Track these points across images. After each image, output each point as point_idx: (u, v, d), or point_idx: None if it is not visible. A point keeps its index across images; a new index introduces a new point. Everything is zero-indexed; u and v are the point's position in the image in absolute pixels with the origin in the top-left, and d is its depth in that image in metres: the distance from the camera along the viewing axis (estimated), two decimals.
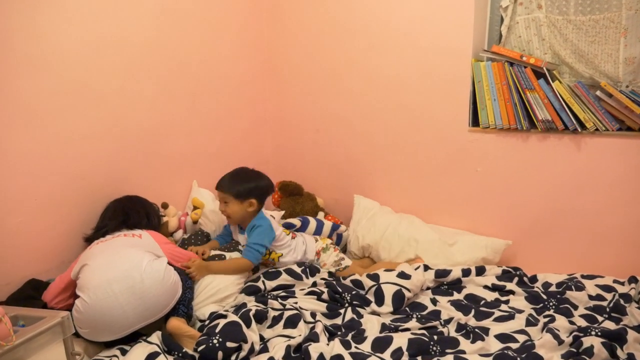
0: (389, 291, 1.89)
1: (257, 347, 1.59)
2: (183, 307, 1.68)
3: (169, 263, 1.70)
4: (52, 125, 1.78)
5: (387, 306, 1.87)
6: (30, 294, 1.65)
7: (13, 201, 1.68)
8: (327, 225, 2.41)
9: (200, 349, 1.50)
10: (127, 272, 1.56)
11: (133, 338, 1.59)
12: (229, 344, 1.51)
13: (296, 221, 2.36)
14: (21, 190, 1.70)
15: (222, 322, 1.60)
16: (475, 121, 2.32)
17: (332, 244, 2.28)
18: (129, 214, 1.88)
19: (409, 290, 1.91)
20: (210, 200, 2.33)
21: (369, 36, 2.47)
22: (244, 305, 1.76)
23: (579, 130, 2.09)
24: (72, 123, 1.84)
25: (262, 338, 1.66)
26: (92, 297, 1.52)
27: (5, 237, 1.66)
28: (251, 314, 1.67)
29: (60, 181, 1.82)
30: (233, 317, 1.63)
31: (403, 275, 1.96)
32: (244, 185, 2.06)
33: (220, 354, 1.49)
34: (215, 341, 1.51)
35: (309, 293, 1.92)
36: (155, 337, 1.56)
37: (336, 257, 2.22)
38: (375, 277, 1.96)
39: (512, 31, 2.31)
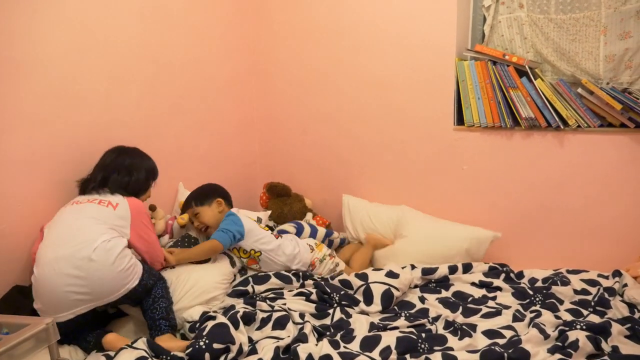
0: (377, 290, 1.90)
1: (245, 349, 1.58)
2: (164, 321, 1.66)
3: (129, 247, 1.67)
4: (36, 130, 1.75)
5: (376, 305, 1.87)
6: (17, 298, 1.63)
7: None
8: (321, 232, 2.40)
9: (187, 351, 1.50)
10: (77, 250, 1.55)
11: (99, 323, 1.63)
12: (216, 346, 1.51)
13: (290, 228, 2.36)
14: (3, 197, 1.68)
15: (210, 324, 1.59)
16: (460, 120, 2.35)
17: (329, 254, 2.23)
18: (131, 170, 1.80)
19: (397, 289, 1.92)
20: None
21: (355, 36, 2.48)
22: (232, 307, 1.75)
23: (562, 127, 2.12)
24: (56, 129, 1.82)
25: (250, 340, 1.65)
26: (40, 272, 1.55)
27: None
28: (239, 315, 1.67)
29: (44, 186, 1.80)
30: (221, 319, 1.62)
31: (391, 275, 1.97)
32: (202, 192, 2.16)
33: (207, 355, 1.48)
34: (202, 343, 1.50)
35: (298, 294, 1.92)
36: (142, 342, 1.54)
37: (332, 265, 2.20)
38: (363, 277, 1.96)
39: (495, 30, 2.34)
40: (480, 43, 2.36)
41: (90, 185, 1.77)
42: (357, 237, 2.51)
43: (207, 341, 1.51)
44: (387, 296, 1.89)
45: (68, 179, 1.87)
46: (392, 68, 2.42)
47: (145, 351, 1.50)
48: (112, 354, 1.53)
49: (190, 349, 1.49)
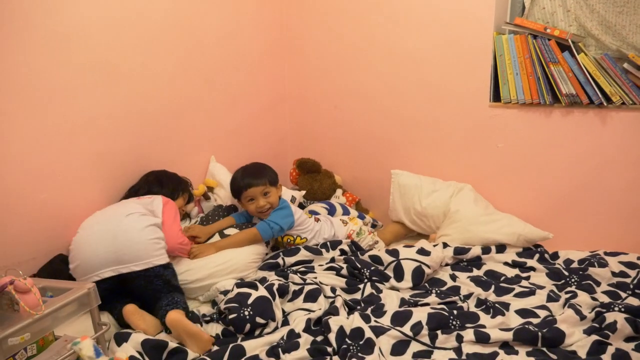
0: (408, 267, 1.89)
1: (280, 324, 1.61)
2: (178, 296, 1.67)
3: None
4: (75, 103, 1.79)
5: (407, 282, 1.87)
6: (59, 267, 1.69)
7: (38, 177, 1.71)
8: (353, 213, 2.41)
9: (231, 316, 1.55)
10: (111, 216, 1.72)
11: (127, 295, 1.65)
12: (259, 320, 1.56)
13: (322, 210, 2.37)
14: (46, 167, 1.73)
15: (254, 295, 1.62)
16: (496, 96, 2.28)
17: (367, 226, 2.26)
18: (162, 183, 1.98)
19: (428, 266, 1.91)
20: (224, 176, 2.33)
21: (389, 10, 2.42)
22: (265, 279, 1.77)
23: (605, 104, 2.04)
24: (95, 100, 1.86)
25: (282, 311, 1.68)
26: (78, 236, 1.69)
27: (30, 213, 1.70)
28: (274, 288, 1.69)
29: (83, 158, 1.85)
30: (264, 292, 1.65)
31: (422, 252, 1.95)
32: (272, 172, 2.13)
33: (248, 326, 1.53)
34: (246, 313, 1.55)
35: (328, 269, 1.93)
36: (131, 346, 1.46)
37: (371, 240, 2.21)
38: (394, 253, 1.96)
39: (536, 3, 2.24)
40: (520, 16, 2.27)
41: (138, 192, 1.94)
42: (399, 218, 2.42)
43: (251, 312, 1.55)
44: (418, 273, 1.88)
45: (105, 149, 1.92)
46: (426, 42, 2.36)
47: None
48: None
49: (235, 315, 1.54)
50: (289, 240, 2.11)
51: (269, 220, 2.02)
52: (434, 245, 2.10)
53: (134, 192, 1.95)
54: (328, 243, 2.07)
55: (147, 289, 1.65)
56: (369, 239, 2.21)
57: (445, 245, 2.15)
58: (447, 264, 2.07)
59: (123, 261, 1.62)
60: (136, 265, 1.62)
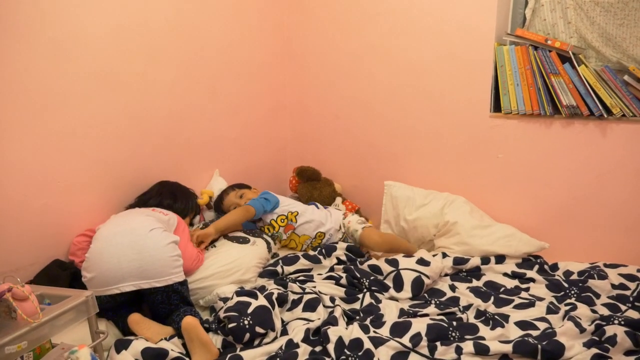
0: (408, 277, 1.89)
1: (279, 334, 1.61)
2: (195, 310, 1.69)
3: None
4: (75, 110, 1.79)
5: (406, 292, 1.86)
6: (56, 273, 1.68)
7: (38, 183, 1.71)
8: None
9: (230, 325, 1.54)
10: (134, 230, 1.68)
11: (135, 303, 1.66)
12: (258, 329, 1.55)
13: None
14: (45, 173, 1.73)
15: (254, 304, 1.61)
16: (497, 106, 2.29)
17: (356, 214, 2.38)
18: (176, 198, 2.01)
19: (428, 277, 1.90)
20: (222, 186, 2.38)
21: (390, 20, 2.43)
22: (265, 288, 1.77)
23: (605, 116, 2.04)
24: (96, 108, 1.86)
25: (281, 321, 1.67)
26: (98, 244, 1.66)
27: (29, 219, 1.70)
28: (274, 297, 1.69)
29: (84, 165, 1.85)
30: (264, 301, 1.64)
31: (422, 262, 1.95)
32: (243, 184, 2.40)
33: (247, 335, 1.52)
34: (246, 322, 1.54)
35: (327, 278, 1.93)
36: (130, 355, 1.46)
37: (359, 219, 2.28)
38: (394, 263, 1.95)
39: (537, 14, 2.25)
40: (521, 27, 2.28)
41: (149, 201, 1.95)
42: (392, 230, 2.44)
43: (251, 322, 1.54)
44: (417, 283, 1.88)
45: (106, 157, 1.92)
46: (427, 53, 2.37)
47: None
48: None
49: (234, 324, 1.53)
50: (282, 220, 2.20)
51: (256, 197, 2.21)
52: (434, 255, 2.10)
53: (144, 201, 1.94)
54: (323, 250, 2.07)
55: (163, 304, 1.65)
56: (357, 218, 2.29)
57: (444, 255, 2.15)
58: (446, 274, 2.06)
59: (145, 276, 1.61)
60: (158, 282, 1.62)
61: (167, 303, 1.65)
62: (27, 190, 1.68)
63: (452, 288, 1.94)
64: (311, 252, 2.07)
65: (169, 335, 1.57)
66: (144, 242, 1.63)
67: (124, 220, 1.75)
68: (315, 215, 2.24)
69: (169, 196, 1.98)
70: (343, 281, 1.90)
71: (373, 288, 1.89)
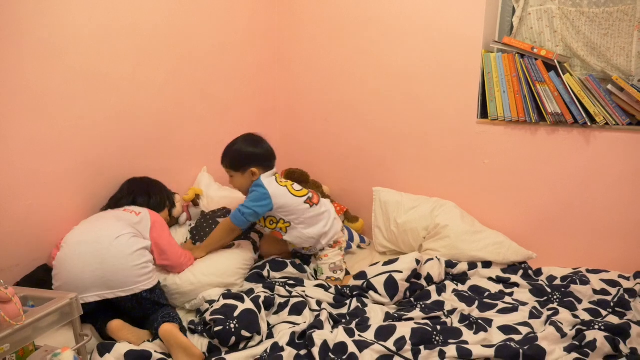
0: (379, 282, 1.88)
1: (264, 337, 1.61)
2: (173, 312, 1.67)
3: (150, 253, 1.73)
4: (62, 110, 1.79)
5: (384, 297, 1.86)
6: (42, 277, 1.67)
7: (23, 184, 1.70)
8: (346, 233, 2.34)
9: (216, 329, 1.54)
10: (99, 238, 1.63)
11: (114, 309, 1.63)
12: (244, 333, 1.55)
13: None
14: (31, 174, 1.72)
15: (240, 307, 1.61)
16: (484, 113, 2.31)
17: (341, 250, 2.15)
18: (150, 194, 1.95)
19: (400, 271, 1.88)
20: (209, 185, 2.36)
21: (380, 26, 2.45)
22: (252, 291, 1.77)
23: (589, 124, 2.07)
24: (83, 108, 1.85)
25: (267, 324, 1.68)
26: (62, 252, 1.63)
27: (14, 219, 1.69)
28: (260, 300, 1.69)
29: (71, 165, 1.84)
30: (250, 305, 1.64)
31: (389, 262, 1.95)
32: (239, 156, 1.98)
33: (233, 339, 1.53)
34: (232, 326, 1.54)
35: (318, 286, 1.94)
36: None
37: (338, 261, 2.08)
38: (362, 276, 1.95)
39: (524, 22, 2.29)
40: (509, 35, 2.31)
41: (120, 201, 1.89)
42: (382, 235, 2.44)
43: (237, 325, 1.55)
44: (390, 284, 1.87)
45: (93, 158, 1.91)
46: (416, 59, 2.39)
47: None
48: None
49: (220, 327, 1.53)
50: (271, 223, 2.01)
51: (241, 205, 1.93)
52: (427, 260, 2.09)
53: (116, 201, 1.89)
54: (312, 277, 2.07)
55: (135, 309, 1.64)
56: (339, 260, 2.08)
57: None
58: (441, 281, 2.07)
59: (109, 287, 1.59)
60: (122, 292, 1.60)
61: (139, 309, 1.64)
62: (12, 190, 1.67)
63: (439, 291, 1.95)
64: (298, 261, 2.08)
65: (151, 337, 1.57)
66: (107, 252, 1.60)
67: (91, 227, 1.71)
68: (311, 232, 2.01)
69: (143, 194, 1.93)
70: (332, 290, 1.92)
71: (355, 293, 1.90)
